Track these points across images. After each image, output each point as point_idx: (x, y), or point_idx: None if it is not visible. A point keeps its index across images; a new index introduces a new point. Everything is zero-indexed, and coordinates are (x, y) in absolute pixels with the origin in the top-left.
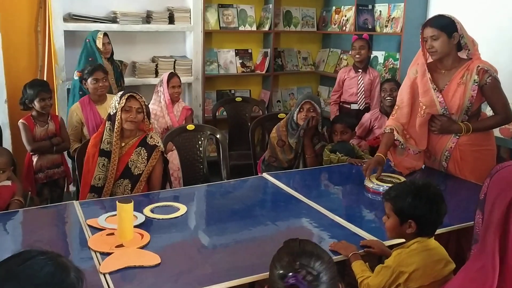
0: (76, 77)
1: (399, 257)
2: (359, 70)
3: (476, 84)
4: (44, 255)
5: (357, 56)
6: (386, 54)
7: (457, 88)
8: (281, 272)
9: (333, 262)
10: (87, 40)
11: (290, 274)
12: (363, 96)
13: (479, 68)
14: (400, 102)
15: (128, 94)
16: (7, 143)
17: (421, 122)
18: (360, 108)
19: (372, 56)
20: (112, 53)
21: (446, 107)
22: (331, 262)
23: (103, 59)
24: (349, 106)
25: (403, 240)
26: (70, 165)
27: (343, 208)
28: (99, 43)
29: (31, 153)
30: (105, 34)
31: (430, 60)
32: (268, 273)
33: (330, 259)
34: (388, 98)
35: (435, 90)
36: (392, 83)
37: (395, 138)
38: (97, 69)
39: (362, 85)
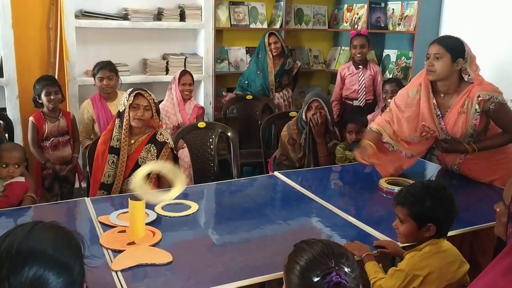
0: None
1: (413, 260)
2: (360, 66)
3: (478, 113)
4: (41, 223)
5: (358, 54)
6: (399, 53)
7: (458, 116)
8: (318, 273)
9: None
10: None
11: (333, 273)
12: (364, 93)
13: (479, 99)
14: (393, 106)
15: (136, 92)
16: (18, 139)
17: (421, 141)
18: (361, 104)
19: (384, 54)
20: (283, 51)
21: (448, 133)
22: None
23: (270, 56)
24: (351, 102)
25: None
26: (80, 162)
27: (356, 208)
28: (266, 42)
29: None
30: (272, 34)
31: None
32: (280, 273)
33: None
34: (390, 99)
35: (438, 117)
36: (394, 84)
37: (385, 140)
38: (104, 67)
39: (363, 81)
